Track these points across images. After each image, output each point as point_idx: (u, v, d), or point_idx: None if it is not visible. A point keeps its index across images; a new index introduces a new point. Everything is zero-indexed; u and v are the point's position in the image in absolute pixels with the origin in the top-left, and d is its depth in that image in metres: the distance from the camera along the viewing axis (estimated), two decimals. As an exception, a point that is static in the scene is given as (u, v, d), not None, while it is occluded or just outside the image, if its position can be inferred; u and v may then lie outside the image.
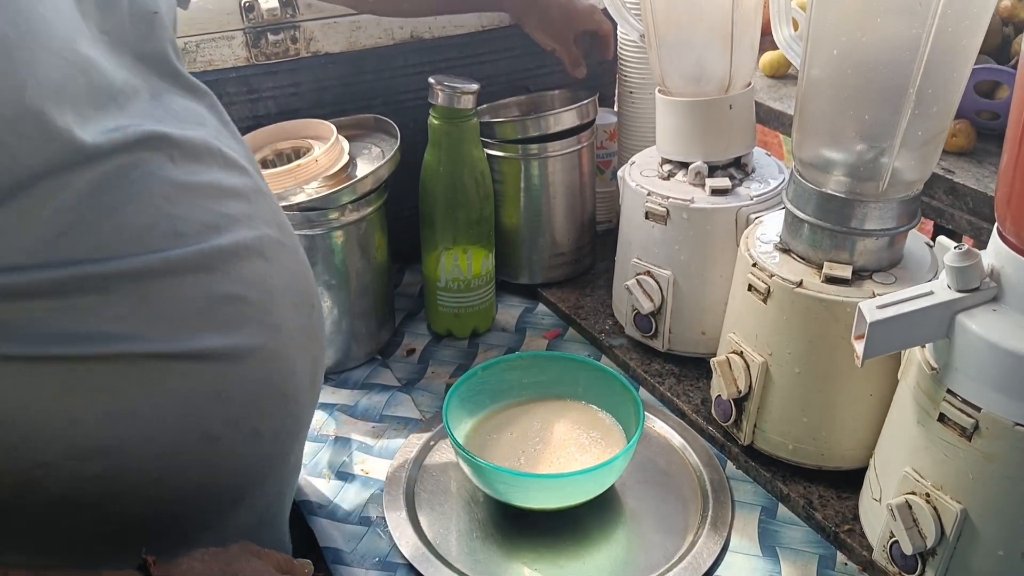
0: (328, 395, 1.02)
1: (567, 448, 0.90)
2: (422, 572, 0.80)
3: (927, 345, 0.72)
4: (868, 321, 0.68)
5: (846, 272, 0.80)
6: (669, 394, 1.00)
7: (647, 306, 1.01)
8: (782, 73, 1.16)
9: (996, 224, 0.68)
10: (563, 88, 1.22)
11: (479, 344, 1.12)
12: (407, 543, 0.83)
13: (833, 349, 0.81)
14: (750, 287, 0.85)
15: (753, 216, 0.93)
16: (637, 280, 1.02)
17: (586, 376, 0.95)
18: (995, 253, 0.67)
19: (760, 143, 1.06)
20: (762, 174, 1.01)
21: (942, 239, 0.69)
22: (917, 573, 0.73)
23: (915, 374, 0.73)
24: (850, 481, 0.86)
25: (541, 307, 1.20)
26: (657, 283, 1.01)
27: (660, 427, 0.97)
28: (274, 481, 0.72)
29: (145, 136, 0.59)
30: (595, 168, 1.20)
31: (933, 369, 0.70)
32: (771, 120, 1.09)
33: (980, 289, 0.67)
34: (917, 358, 0.72)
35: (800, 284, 0.81)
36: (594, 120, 1.15)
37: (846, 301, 0.79)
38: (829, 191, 0.79)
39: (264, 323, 0.64)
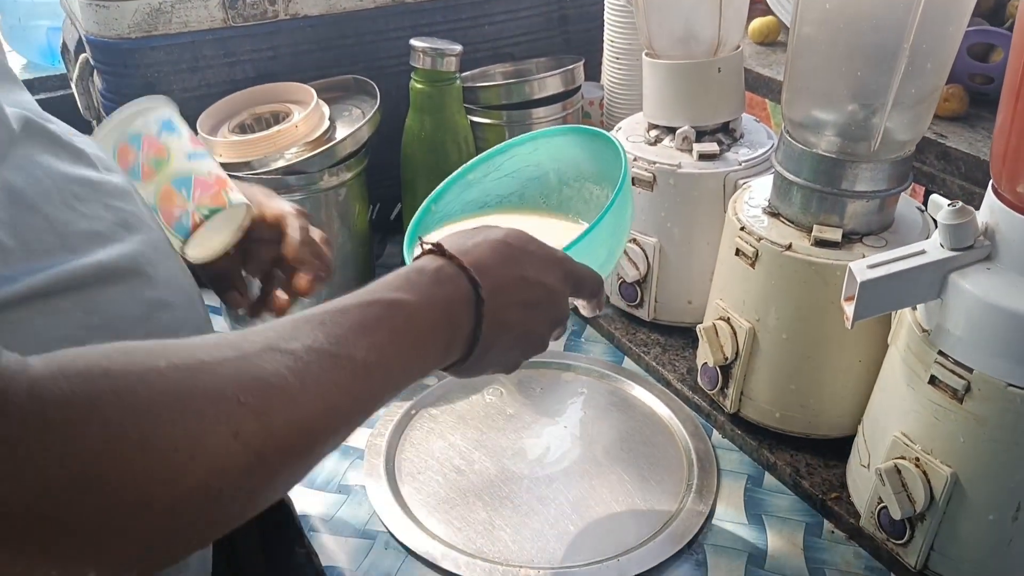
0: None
1: None
2: (403, 540, 0.78)
3: (918, 307, 0.71)
4: (859, 281, 0.66)
5: (836, 235, 0.79)
6: (655, 364, 0.99)
7: (632, 274, 1.00)
8: (771, 40, 1.15)
9: (991, 182, 0.66)
10: (548, 56, 1.20)
11: (462, 314, 1.10)
12: (388, 511, 0.81)
13: (822, 314, 0.80)
14: (738, 251, 0.83)
15: (741, 181, 0.92)
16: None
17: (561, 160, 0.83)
18: (989, 211, 0.66)
19: (747, 111, 1.04)
20: (751, 140, 0.99)
21: (935, 197, 0.68)
22: (906, 539, 0.72)
23: (905, 337, 0.71)
24: (837, 450, 0.85)
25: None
26: (643, 250, 0.99)
27: (645, 397, 0.96)
28: None
29: (28, 120, 0.53)
30: (580, 136, 1.18)
31: (924, 331, 0.69)
32: (760, 87, 1.08)
33: (974, 247, 0.65)
34: (908, 320, 0.71)
35: (789, 247, 0.79)
36: (580, 87, 1.13)
37: (836, 264, 0.77)
38: (820, 152, 0.78)
39: (195, 327, 0.60)
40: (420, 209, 0.79)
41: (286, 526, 0.84)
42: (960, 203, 0.65)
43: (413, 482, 0.85)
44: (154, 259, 0.57)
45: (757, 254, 0.81)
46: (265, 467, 0.41)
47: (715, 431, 0.92)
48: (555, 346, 1.04)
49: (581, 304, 0.69)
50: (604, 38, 1.16)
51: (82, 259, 0.51)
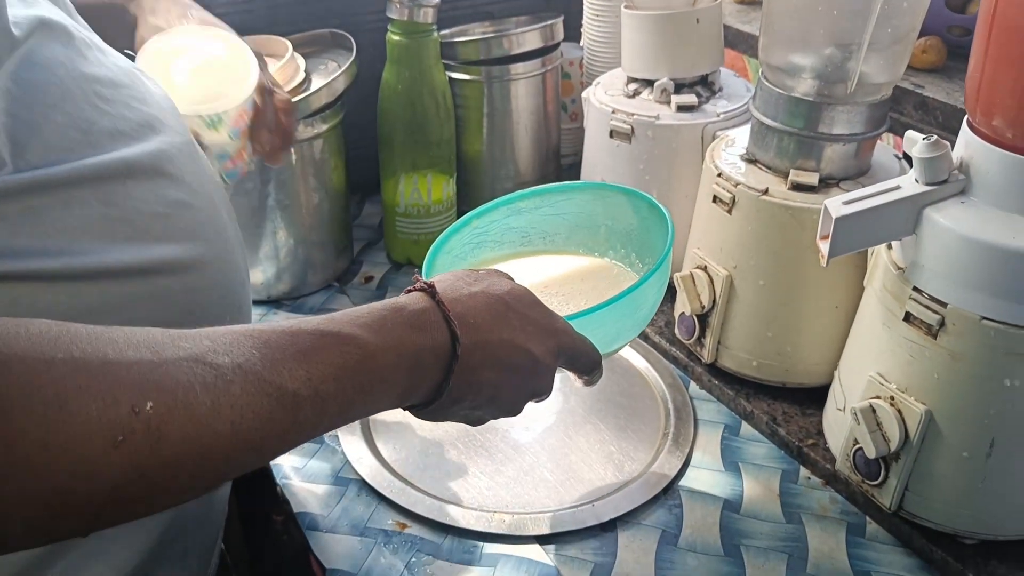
0: (280, 320, 0.99)
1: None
2: (375, 486, 0.77)
3: (893, 245, 0.70)
4: (834, 217, 0.66)
5: (812, 179, 0.78)
6: (633, 318, 0.98)
7: (611, 228, 0.99)
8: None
9: (966, 117, 0.66)
10: (528, 15, 1.19)
11: (440, 272, 1.09)
12: (361, 460, 0.80)
13: (799, 259, 0.79)
14: (715, 198, 0.83)
15: (720, 133, 0.91)
16: (601, 202, 0.99)
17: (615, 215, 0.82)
18: (965, 145, 0.65)
19: (727, 66, 1.03)
20: (729, 93, 0.98)
21: (910, 133, 0.67)
22: (880, 479, 0.72)
23: (881, 276, 0.71)
24: (813, 398, 0.85)
25: (504, 238, 1.17)
26: (621, 204, 0.98)
27: (623, 350, 0.95)
28: None
29: (45, 23, 0.53)
30: (560, 94, 1.17)
31: (899, 269, 0.68)
32: (739, 43, 1.07)
33: (948, 182, 0.65)
34: (883, 260, 0.71)
35: (766, 192, 0.79)
36: (559, 44, 1.12)
37: (812, 208, 0.77)
38: (797, 95, 0.77)
39: (214, 230, 0.60)
40: (460, 221, 0.79)
41: (261, 482, 0.83)
42: (935, 136, 0.64)
43: (387, 431, 0.84)
44: (178, 160, 0.57)
45: (734, 200, 0.81)
46: (145, 482, 0.38)
47: (692, 383, 0.91)
48: (533, 302, 1.03)
49: (573, 377, 0.67)
50: (583, -3, 1.16)
51: (104, 155, 0.52)
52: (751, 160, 0.83)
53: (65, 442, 0.35)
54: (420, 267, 1.09)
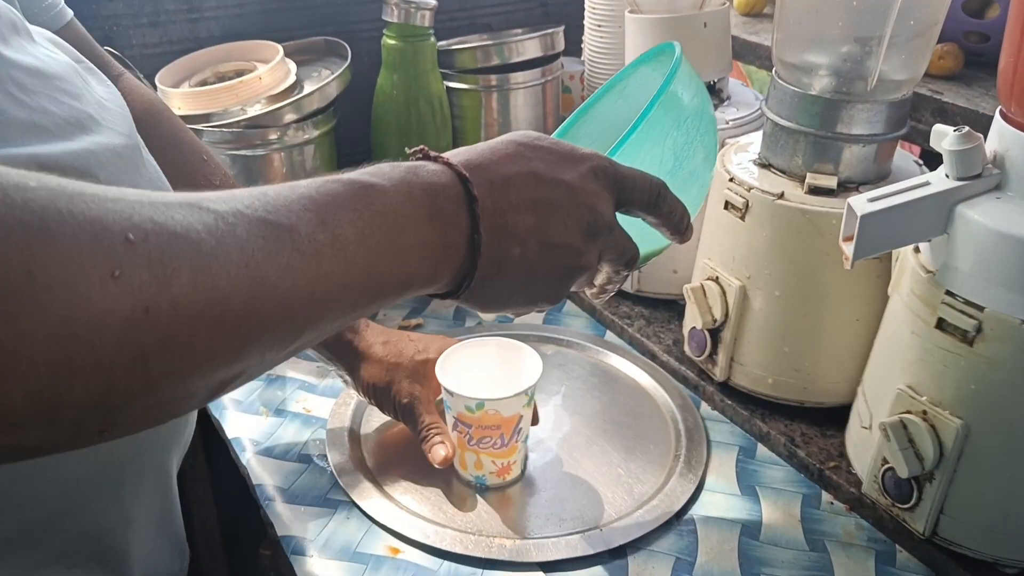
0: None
1: None
2: (366, 509, 0.72)
3: (922, 247, 0.66)
4: (859, 215, 0.61)
5: (831, 182, 0.74)
6: (639, 336, 0.93)
7: (615, 242, 0.94)
8: (757, 11, 1.11)
9: (999, 108, 0.62)
10: (528, 27, 1.16)
11: (435, 289, 1.04)
12: (351, 480, 0.74)
13: (817, 268, 0.75)
14: (727, 204, 0.79)
15: (730, 141, 0.87)
16: (605, 214, 0.95)
17: None
18: (999, 137, 0.61)
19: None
20: (738, 101, 0.95)
21: (939, 127, 0.63)
22: (912, 502, 0.67)
23: (908, 282, 0.66)
24: (833, 419, 0.80)
25: (503, 255, 1.12)
26: (626, 217, 0.94)
27: (629, 369, 0.90)
28: None
29: None
30: (560, 107, 1.13)
31: (929, 272, 0.64)
32: (747, 53, 1.03)
33: (982, 176, 0.61)
34: (911, 264, 0.66)
35: (781, 196, 0.74)
36: (560, 54, 1.08)
37: (831, 212, 0.72)
38: (813, 93, 0.73)
39: None
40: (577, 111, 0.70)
41: (244, 506, 0.78)
42: (967, 127, 0.60)
43: (379, 451, 0.79)
44: (111, 166, 0.51)
45: (747, 205, 0.76)
46: (157, 327, 0.32)
47: (703, 403, 0.86)
48: (534, 319, 0.99)
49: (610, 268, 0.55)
50: (585, 6, 1.12)
51: (11, 149, 0.45)
52: (764, 164, 0.79)
53: (51, 270, 0.29)
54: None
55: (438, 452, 0.72)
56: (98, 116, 0.52)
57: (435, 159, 0.47)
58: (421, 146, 0.48)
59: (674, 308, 0.97)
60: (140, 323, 0.32)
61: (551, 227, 0.48)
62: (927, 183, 0.62)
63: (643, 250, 0.56)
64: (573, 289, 0.53)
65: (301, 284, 0.38)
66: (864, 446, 0.72)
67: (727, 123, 0.90)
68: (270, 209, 0.38)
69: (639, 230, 0.55)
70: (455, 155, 0.47)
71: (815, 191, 0.74)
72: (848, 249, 0.63)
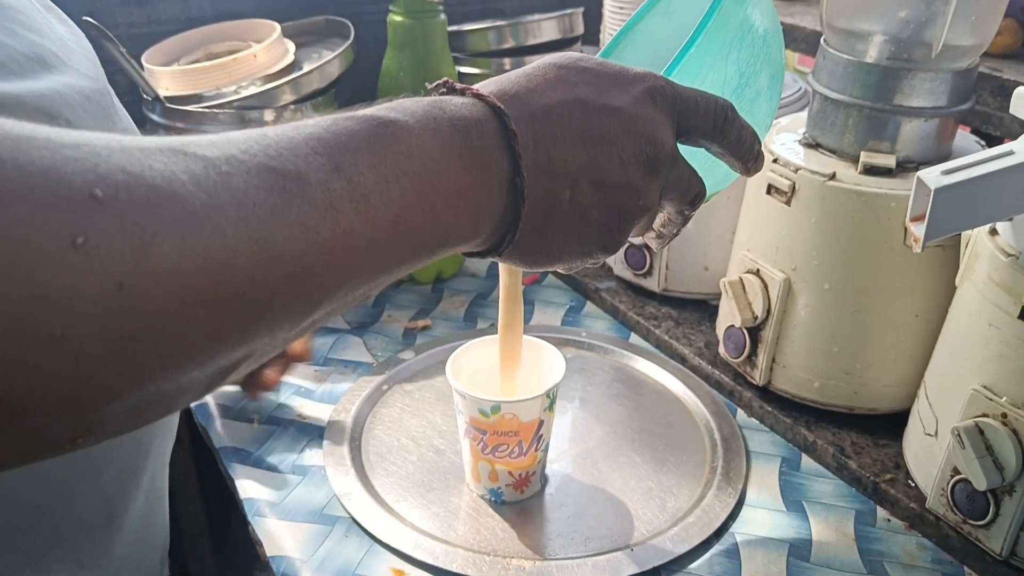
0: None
1: None
2: (367, 526, 0.64)
3: (1000, 229, 0.58)
4: (932, 189, 0.53)
5: (889, 160, 0.66)
6: (667, 338, 0.85)
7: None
8: (790, -7, 1.04)
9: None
10: (543, 12, 1.09)
11: (444, 289, 0.96)
12: (351, 494, 0.66)
13: (872, 257, 0.67)
14: (770, 188, 0.71)
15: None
16: (629, 205, 0.87)
17: None
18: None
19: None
20: (774, 83, 0.87)
21: (1021, 89, 0.56)
22: (988, 518, 0.58)
23: (985, 268, 0.58)
24: (887, 426, 0.72)
25: (516, 254, 1.05)
26: (653, 208, 0.86)
27: (657, 373, 0.82)
28: None
29: None
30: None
31: (1010, 255, 0.56)
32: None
33: (1076, 144, 0.53)
34: (987, 247, 0.58)
35: (832, 177, 0.67)
36: (579, 37, 1.01)
37: (889, 195, 0.65)
38: (868, 61, 0.66)
39: None
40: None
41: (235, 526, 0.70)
42: (1058, 88, 0.53)
43: (383, 463, 0.71)
44: (80, 109, 0.43)
45: (794, 188, 0.69)
46: (136, 307, 0.25)
47: (739, 410, 0.78)
48: (550, 319, 0.91)
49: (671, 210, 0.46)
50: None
51: None
52: (812, 144, 0.71)
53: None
54: (419, 281, 0.97)
55: None
56: (62, 54, 0.44)
57: (462, 91, 0.39)
58: (444, 78, 0.41)
59: (704, 309, 0.89)
60: (113, 303, 0.25)
61: (605, 163, 0.40)
62: (1010, 152, 0.54)
63: (709, 181, 0.47)
64: (631, 237, 0.45)
65: (315, 246, 0.30)
66: (928, 456, 0.64)
67: (764, 105, 0.82)
68: (272, 154, 0.30)
69: (699, 162, 0.47)
70: (485, 86, 0.40)
71: (871, 171, 0.66)
72: (918, 230, 0.55)
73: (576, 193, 0.40)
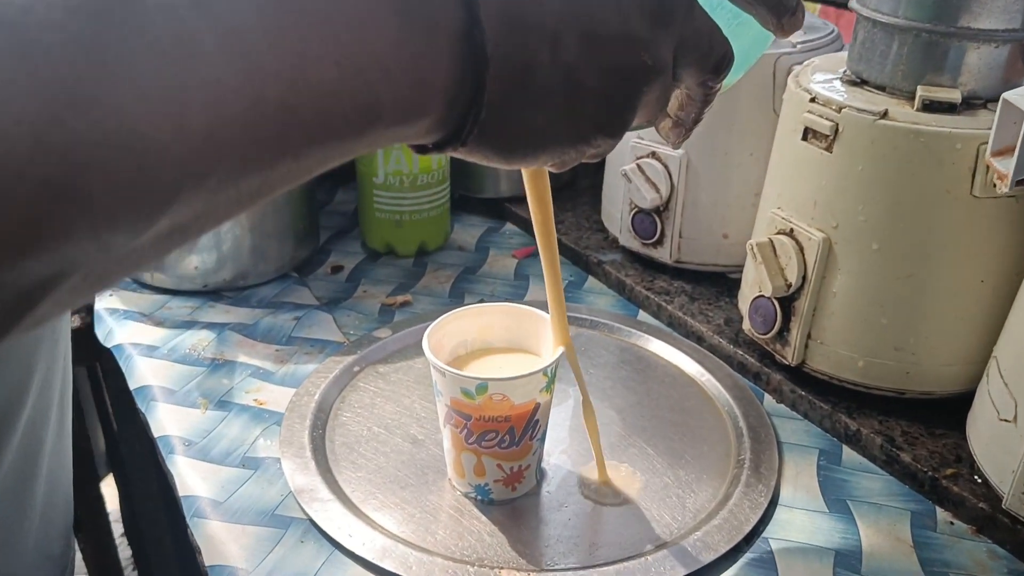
0: (217, 314, 0.75)
1: None
2: (327, 530, 0.53)
3: (1101, 166, 0.48)
4: (1025, 111, 0.43)
5: (953, 95, 0.56)
6: (681, 314, 0.74)
7: (651, 198, 0.76)
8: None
9: None
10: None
11: (427, 263, 0.86)
12: (309, 492, 0.55)
13: (931, 210, 0.56)
14: (807, 133, 0.60)
15: (807, 63, 0.69)
16: (638, 164, 0.76)
17: None
18: None
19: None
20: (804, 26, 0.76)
21: None
22: (1085, 522, 0.48)
23: (1079, 214, 0.48)
24: (944, 412, 0.61)
25: (509, 226, 0.94)
26: (665, 167, 0.75)
27: (669, 353, 0.72)
28: None
29: None
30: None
31: (1117, 196, 0.46)
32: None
33: None
34: (1083, 189, 0.48)
35: (884, 115, 0.56)
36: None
37: (954, 134, 0.54)
38: (929, -25, 0.55)
39: None
40: None
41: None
42: None
43: (350, 455, 0.60)
44: None
45: (836, 131, 0.58)
46: None
47: (767, 395, 0.67)
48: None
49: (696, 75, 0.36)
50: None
51: None
52: (856, 81, 0.61)
53: None
54: (400, 254, 0.86)
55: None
56: None
57: None
58: None
59: (722, 283, 0.78)
60: None
61: (597, 9, 0.30)
62: (1120, 66, 0.44)
63: (736, 52, 0.37)
64: (639, 119, 0.34)
65: (159, 103, 0.21)
66: (1002, 446, 0.53)
67: (794, 46, 0.72)
68: None
69: (724, 23, 0.36)
70: None
71: (930, 107, 0.56)
72: (1004, 165, 0.45)
73: (559, 51, 0.30)
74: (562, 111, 0.31)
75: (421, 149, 0.31)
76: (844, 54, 0.65)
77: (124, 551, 1.44)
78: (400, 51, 0.26)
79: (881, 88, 0.59)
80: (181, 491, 0.57)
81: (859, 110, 0.57)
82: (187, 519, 0.55)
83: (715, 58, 0.35)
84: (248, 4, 0.23)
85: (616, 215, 0.82)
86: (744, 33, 0.39)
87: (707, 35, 0.34)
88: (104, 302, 0.77)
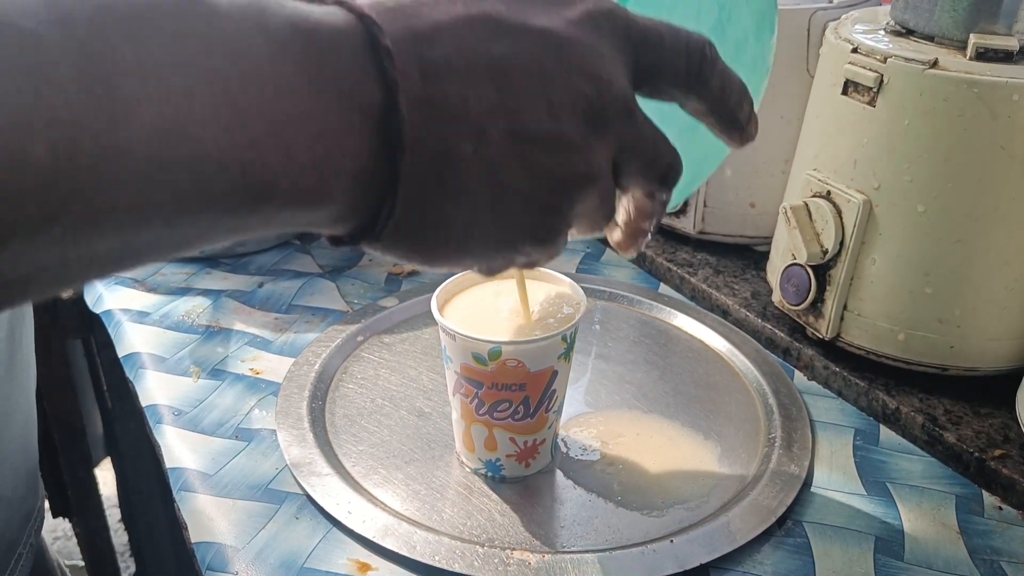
0: (214, 280, 0.71)
1: None
2: (324, 505, 0.49)
3: None
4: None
5: (1010, 43, 0.51)
6: (705, 287, 0.70)
7: (674, 163, 0.71)
8: None
9: None
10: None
11: (437, 233, 0.81)
12: (307, 465, 0.51)
13: (984, 169, 0.52)
14: (847, 87, 0.56)
15: (844, 17, 0.64)
16: (661, 127, 0.72)
17: None
18: None
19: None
20: (840, -20, 0.72)
21: None
22: None
23: None
24: (990, 390, 0.57)
25: (523, 197, 0.90)
26: (690, 130, 0.71)
27: (694, 328, 0.67)
28: None
29: None
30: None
31: None
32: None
33: None
34: None
35: (934, 64, 0.52)
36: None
37: (1012, 84, 0.50)
38: (986, -89, 0.51)
39: None
40: None
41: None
42: None
43: (351, 427, 0.56)
44: None
45: (881, 82, 0.53)
46: None
47: (797, 372, 0.63)
48: (563, 267, 0.76)
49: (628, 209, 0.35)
50: None
51: None
52: (902, 32, 0.56)
53: None
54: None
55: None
56: None
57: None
58: None
59: (748, 255, 0.74)
60: None
61: (526, 106, 0.27)
62: None
63: (687, 163, 0.33)
64: (580, 229, 0.32)
65: (19, 155, 0.18)
66: (1060, 425, 0.49)
67: (830, 1, 0.67)
68: None
69: (676, 133, 0.32)
70: None
71: (985, 56, 0.51)
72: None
73: (484, 146, 0.27)
74: (487, 211, 0.28)
75: (335, 240, 0.28)
76: (884, 8, 0.60)
77: (122, 537, 1.41)
78: (305, 124, 0.23)
79: (929, 38, 0.55)
80: (168, 463, 0.53)
81: (907, 59, 0.52)
82: (174, 492, 0.51)
83: (660, 168, 0.32)
84: (125, 41, 0.20)
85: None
86: (697, 144, 0.36)
87: (651, 142, 0.31)
88: (95, 268, 0.73)
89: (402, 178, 0.26)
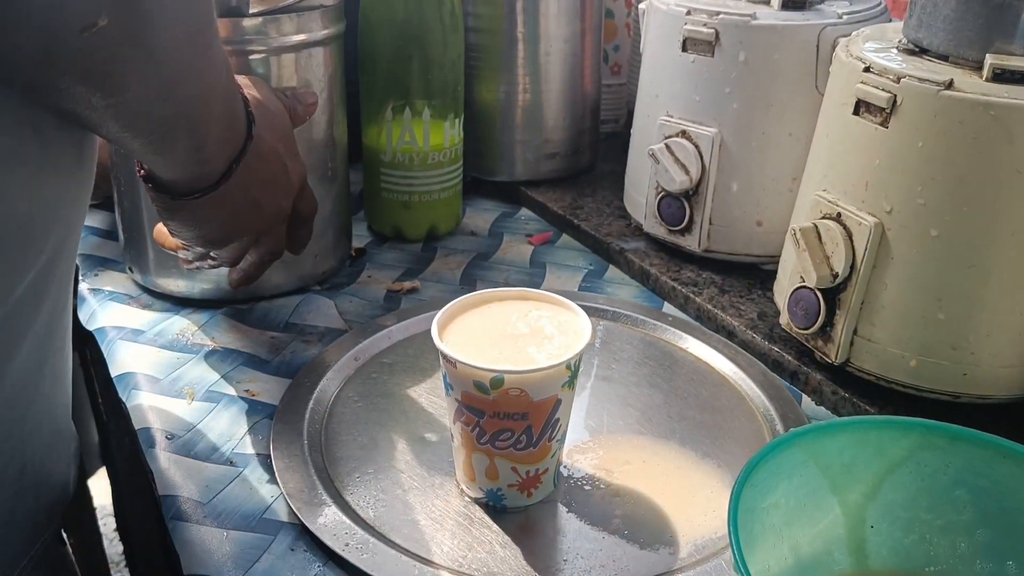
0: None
1: None
2: (322, 537, 0.47)
3: None
4: None
5: (1027, 63, 0.50)
6: (710, 307, 0.69)
7: (680, 180, 0.70)
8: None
9: None
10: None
11: (437, 248, 0.80)
12: (303, 495, 0.50)
13: (999, 192, 0.51)
14: (859, 107, 0.54)
15: (854, 34, 0.63)
16: (667, 144, 0.71)
17: None
18: None
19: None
20: (849, -5, 0.71)
21: None
22: None
23: None
24: (1001, 419, 0.56)
25: (525, 211, 0.88)
26: (696, 147, 0.70)
27: (699, 349, 0.66)
28: None
29: None
30: (602, 26, 0.90)
31: None
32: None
33: None
34: None
35: (949, 85, 0.50)
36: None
37: (1029, 107, 0.48)
38: (1004, -71, 0.49)
39: None
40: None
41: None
42: None
43: (349, 455, 0.54)
44: None
45: (894, 103, 0.52)
46: None
47: (804, 397, 0.62)
48: (565, 284, 0.74)
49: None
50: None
51: None
52: (915, 51, 0.55)
53: None
54: (408, 238, 0.80)
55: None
56: None
57: None
58: None
59: (754, 274, 0.73)
60: None
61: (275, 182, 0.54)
62: None
63: None
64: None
65: None
66: (1079, 458, 0.47)
67: (840, 16, 0.66)
68: None
69: None
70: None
71: (1002, 77, 0.50)
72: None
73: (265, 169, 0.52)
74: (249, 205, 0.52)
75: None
76: (897, 24, 0.59)
77: (117, 547, 1.39)
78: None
79: (943, 57, 0.53)
80: (161, 489, 0.51)
81: (921, 80, 0.51)
82: (167, 521, 0.49)
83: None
84: None
85: (640, 200, 0.76)
86: None
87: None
88: (88, 282, 0.72)
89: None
